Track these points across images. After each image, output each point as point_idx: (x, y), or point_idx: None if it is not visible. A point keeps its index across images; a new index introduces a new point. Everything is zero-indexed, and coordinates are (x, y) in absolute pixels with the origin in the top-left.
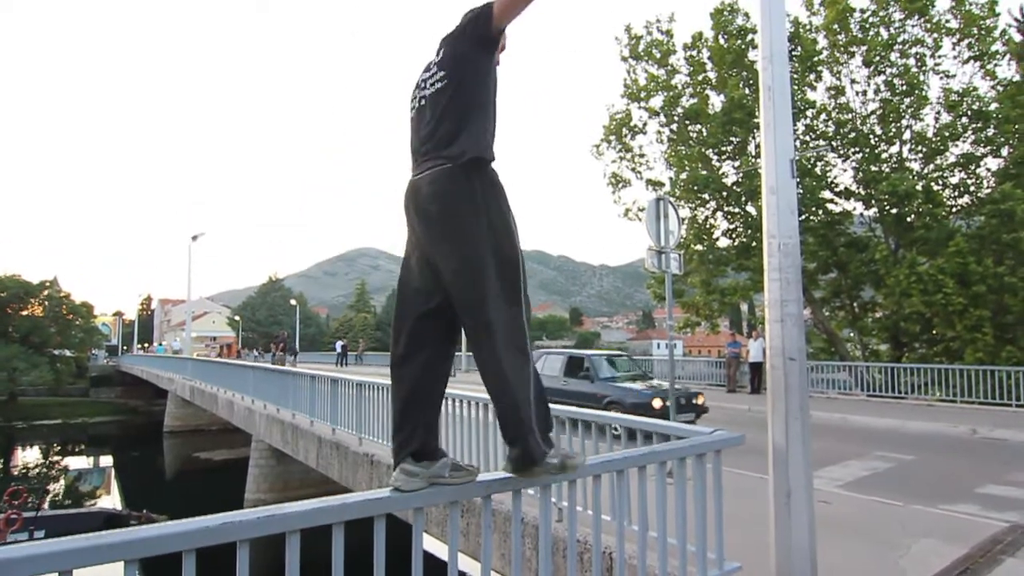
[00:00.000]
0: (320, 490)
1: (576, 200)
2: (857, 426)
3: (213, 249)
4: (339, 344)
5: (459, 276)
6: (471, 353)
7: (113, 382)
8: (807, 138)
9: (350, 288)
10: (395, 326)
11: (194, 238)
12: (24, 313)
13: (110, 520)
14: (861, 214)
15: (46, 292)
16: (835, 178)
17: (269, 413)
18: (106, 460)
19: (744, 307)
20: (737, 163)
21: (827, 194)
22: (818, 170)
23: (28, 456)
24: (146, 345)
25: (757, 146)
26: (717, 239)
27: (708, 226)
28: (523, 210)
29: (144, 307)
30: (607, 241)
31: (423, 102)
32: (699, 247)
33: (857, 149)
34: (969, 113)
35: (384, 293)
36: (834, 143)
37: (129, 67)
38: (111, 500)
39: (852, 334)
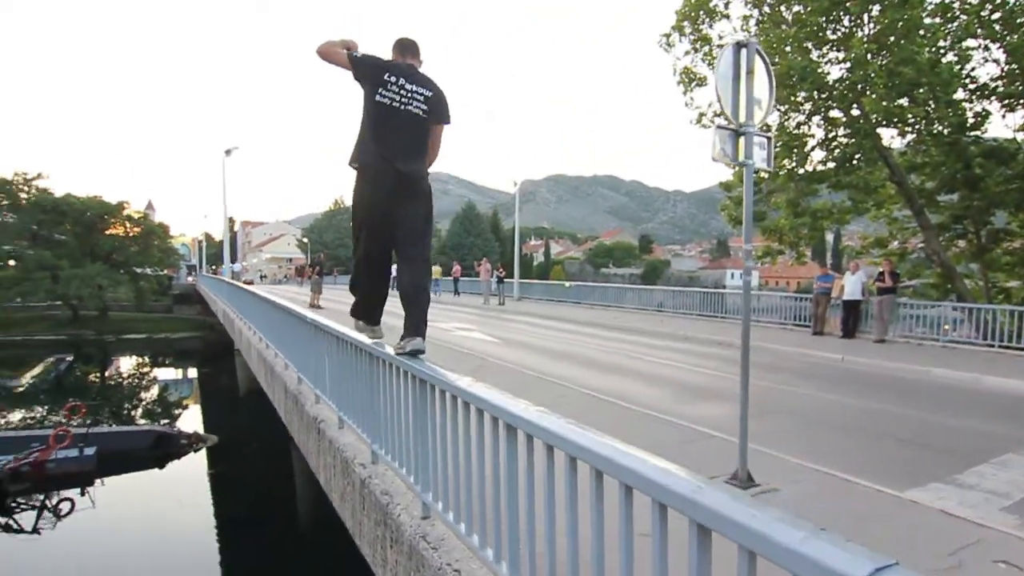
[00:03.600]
0: None
1: (652, 123)
2: (997, 392)
3: (294, 173)
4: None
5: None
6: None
7: (193, 300)
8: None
9: None
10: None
11: (227, 152)
12: (107, 233)
13: (160, 439)
14: (1004, 116)
15: (125, 213)
16: (972, 70)
17: (255, 344)
18: (192, 372)
19: (830, 236)
20: (842, 55)
21: (961, 93)
22: (953, 56)
23: (124, 366)
24: (214, 267)
25: (870, 32)
26: (812, 150)
27: (801, 135)
28: (596, 132)
29: (231, 229)
30: (683, 165)
31: (410, 111)
32: (787, 162)
33: (1007, 31)
34: None
35: (448, 217)
36: (975, 24)
37: None
38: (194, 412)
39: (973, 268)
